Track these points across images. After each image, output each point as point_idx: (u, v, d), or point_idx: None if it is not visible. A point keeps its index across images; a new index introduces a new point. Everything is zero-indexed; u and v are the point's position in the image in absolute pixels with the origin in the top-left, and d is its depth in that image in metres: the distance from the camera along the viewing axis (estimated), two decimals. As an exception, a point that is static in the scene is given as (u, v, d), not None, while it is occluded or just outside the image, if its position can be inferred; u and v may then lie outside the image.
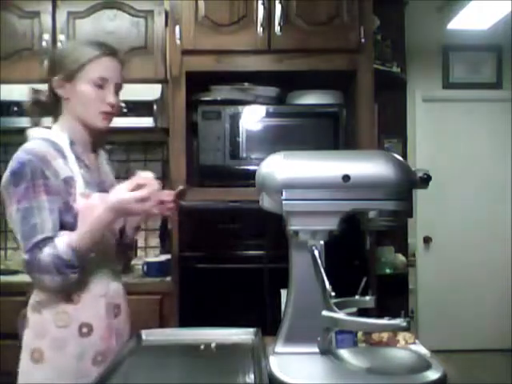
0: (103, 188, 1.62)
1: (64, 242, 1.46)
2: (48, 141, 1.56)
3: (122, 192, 1.46)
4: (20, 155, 1.53)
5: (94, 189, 1.58)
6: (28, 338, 1.58)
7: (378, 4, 2.64)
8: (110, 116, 1.62)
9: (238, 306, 2.40)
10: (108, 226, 1.52)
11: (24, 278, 2.65)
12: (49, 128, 1.64)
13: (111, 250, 1.65)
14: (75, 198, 1.52)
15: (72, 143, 1.59)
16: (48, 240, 1.46)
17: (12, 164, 1.53)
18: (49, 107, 1.66)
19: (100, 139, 1.72)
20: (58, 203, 1.50)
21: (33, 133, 1.61)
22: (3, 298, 2.41)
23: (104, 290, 1.59)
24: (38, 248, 1.45)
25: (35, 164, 1.50)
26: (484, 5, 3.80)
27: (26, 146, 1.56)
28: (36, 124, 1.68)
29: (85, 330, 1.53)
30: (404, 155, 3.24)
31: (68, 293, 1.53)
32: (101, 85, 1.59)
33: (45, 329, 1.54)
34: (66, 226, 1.51)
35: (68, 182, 1.53)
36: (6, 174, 1.52)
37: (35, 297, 1.58)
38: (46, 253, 1.44)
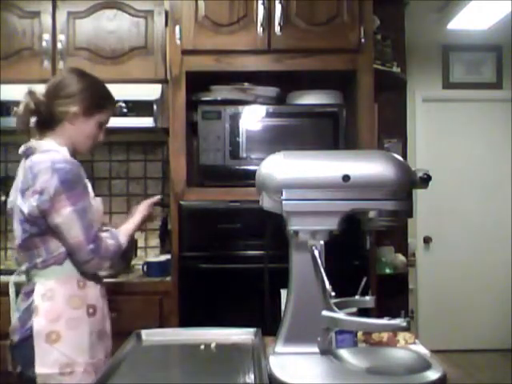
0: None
1: (123, 235, 1.88)
2: (60, 152, 1.79)
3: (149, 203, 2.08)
4: (58, 166, 1.72)
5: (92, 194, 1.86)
6: (39, 326, 1.72)
7: (378, 4, 2.64)
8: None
9: (238, 306, 2.40)
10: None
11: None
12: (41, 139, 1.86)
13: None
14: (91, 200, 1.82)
15: (71, 155, 1.83)
16: (98, 232, 1.77)
17: (54, 174, 1.70)
18: (41, 114, 1.81)
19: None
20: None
21: (44, 145, 1.80)
22: (3, 298, 2.40)
23: (99, 278, 1.86)
24: (98, 239, 1.74)
25: (76, 171, 1.75)
26: (484, 5, 3.81)
27: (55, 156, 1.75)
28: (23, 124, 1.86)
29: (91, 310, 1.79)
30: (404, 155, 3.24)
31: (77, 279, 1.78)
32: (100, 127, 1.89)
33: (57, 312, 1.73)
34: None
35: (87, 186, 1.80)
36: (55, 184, 1.69)
37: (43, 287, 1.76)
38: (110, 243, 1.79)
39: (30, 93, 1.81)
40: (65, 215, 1.70)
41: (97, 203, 1.84)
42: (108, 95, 1.90)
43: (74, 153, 1.84)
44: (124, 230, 1.91)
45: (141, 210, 2.04)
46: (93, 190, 1.84)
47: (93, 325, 1.78)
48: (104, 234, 1.80)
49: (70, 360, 1.71)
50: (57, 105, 1.79)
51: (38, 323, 1.71)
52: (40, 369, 1.69)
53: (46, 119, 1.81)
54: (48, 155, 1.75)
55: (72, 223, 1.71)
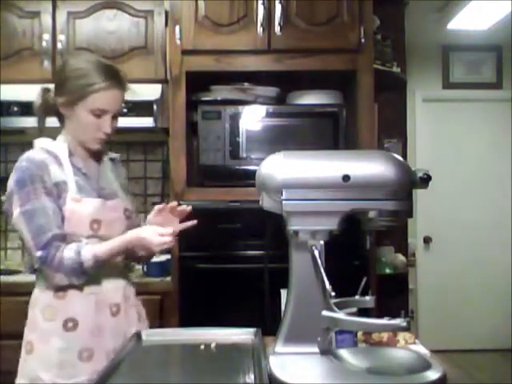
0: (102, 194, 1.71)
1: (90, 251, 1.58)
2: (46, 150, 1.67)
3: (153, 234, 1.60)
4: (19, 164, 1.64)
5: (91, 194, 1.68)
6: (25, 332, 1.68)
7: (378, 4, 2.64)
8: (103, 141, 1.72)
9: (238, 306, 2.40)
10: (126, 250, 1.65)
11: (24, 278, 2.66)
12: (53, 138, 1.73)
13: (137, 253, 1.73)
14: (65, 202, 1.62)
15: (71, 154, 1.69)
16: (58, 237, 1.57)
17: (13, 173, 1.63)
18: (56, 110, 1.72)
19: (99, 151, 1.78)
20: (57, 204, 1.61)
21: (37, 143, 1.71)
22: (3, 298, 2.41)
23: (95, 289, 1.64)
24: (51, 246, 1.56)
25: (33, 170, 1.61)
26: (484, 5, 3.81)
27: (26, 155, 1.66)
28: (41, 123, 1.76)
29: (70, 324, 1.60)
30: (404, 155, 3.24)
31: (56, 288, 1.61)
32: (99, 115, 1.66)
33: (35, 322, 1.64)
34: None
35: (60, 185, 1.63)
36: (10, 184, 1.62)
37: (33, 294, 1.69)
38: (67, 256, 1.56)
39: (43, 90, 1.74)
40: (14, 217, 1.59)
41: (82, 206, 1.63)
42: (88, 81, 1.64)
43: (85, 149, 1.71)
44: (100, 247, 1.61)
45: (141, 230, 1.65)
46: (82, 192, 1.67)
47: (71, 341, 1.59)
48: (70, 245, 1.58)
49: (35, 375, 1.60)
50: (55, 98, 1.71)
51: (25, 330, 1.68)
52: (18, 379, 1.65)
53: (56, 115, 1.74)
54: (27, 153, 1.66)
55: (21, 226, 1.59)
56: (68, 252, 1.56)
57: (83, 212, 1.63)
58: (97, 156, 1.77)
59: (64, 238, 1.60)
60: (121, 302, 1.69)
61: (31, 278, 2.62)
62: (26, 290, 2.44)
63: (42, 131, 1.76)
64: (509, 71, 4.69)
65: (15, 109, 2.60)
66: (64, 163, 1.66)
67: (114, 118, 1.71)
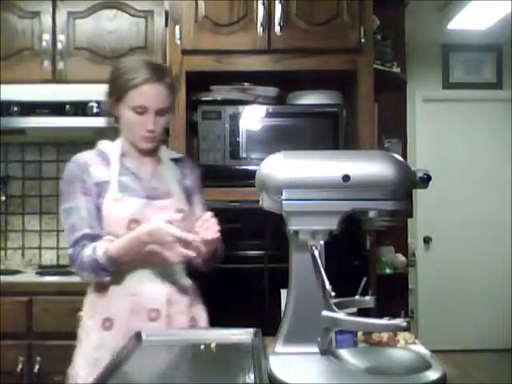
0: (152, 194, 1.70)
1: (102, 248, 1.59)
2: (100, 150, 1.74)
3: (160, 221, 1.54)
4: (67, 165, 1.73)
5: (136, 194, 1.67)
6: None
7: (377, 4, 2.64)
8: (151, 139, 1.70)
9: (238, 306, 2.40)
10: (142, 248, 1.58)
11: (24, 277, 2.66)
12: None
13: (157, 256, 1.60)
14: (104, 201, 1.65)
15: (123, 154, 1.73)
16: (88, 237, 1.62)
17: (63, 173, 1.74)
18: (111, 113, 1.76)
19: (151, 150, 1.75)
20: (95, 203, 1.66)
21: (98, 144, 1.77)
22: (3, 298, 2.41)
23: (135, 291, 1.64)
24: (78, 245, 1.62)
25: (75, 170, 1.69)
26: (484, 5, 3.81)
27: (75, 156, 1.75)
28: (109, 123, 1.80)
29: (107, 323, 1.63)
30: (404, 155, 3.23)
31: (98, 286, 1.66)
32: (141, 112, 1.66)
33: (83, 318, 1.70)
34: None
35: (101, 185, 1.66)
36: (60, 183, 1.74)
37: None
38: (86, 253, 1.60)
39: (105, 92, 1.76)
40: (60, 213, 1.70)
41: (121, 206, 1.63)
42: (127, 77, 1.65)
43: (136, 148, 1.73)
44: (113, 244, 1.60)
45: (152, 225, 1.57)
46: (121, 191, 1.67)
47: (106, 340, 1.60)
48: (91, 244, 1.61)
49: (77, 369, 1.64)
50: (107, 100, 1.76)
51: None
52: (69, 369, 1.68)
53: (114, 116, 1.75)
54: (77, 154, 1.75)
55: (63, 223, 1.69)
56: (87, 250, 1.60)
57: (121, 212, 1.64)
58: (153, 155, 1.76)
59: (94, 238, 1.62)
60: (162, 307, 1.65)
61: (31, 278, 2.63)
62: (26, 290, 2.46)
63: (113, 132, 1.78)
64: (509, 71, 4.70)
65: (15, 109, 2.60)
66: (113, 163, 1.69)
67: (160, 114, 1.68)
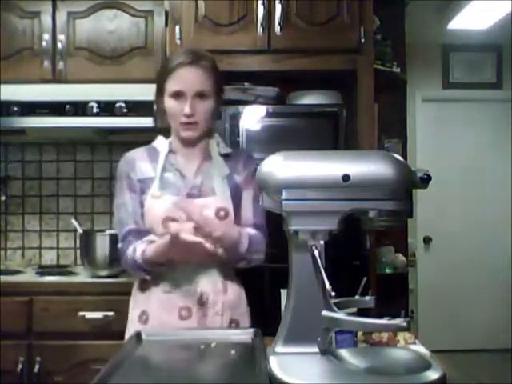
0: (194, 192, 1.69)
1: (140, 250, 1.64)
2: (151, 147, 1.77)
3: (174, 227, 1.52)
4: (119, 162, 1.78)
5: (177, 191, 1.67)
6: None
7: (378, 4, 2.64)
8: (189, 126, 1.69)
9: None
10: (168, 255, 1.58)
11: (24, 277, 2.66)
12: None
13: (197, 256, 1.58)
14: (146, 198, 1.68)
15: (171, 150, 1.74)
16: (133, 232, 1.67)
17: None
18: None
19: (194, 140, 1.74)
20: (140, 199, 1.70)
21: (154, 141, 1.80)
22: (3, 298, 2.41)
23: (169, 288, 1.67)
24: (125, 240, 1.68)
25: (122, 167, 1.74)
26: (484, 5, 3.81)
27: (127, 152, 1.79)
28: (160, 123, 1.81)
29: (144, 317, 1.68)
30: (404, 155, 3.24)
31: (141, 281, 1.71)
32: (178, 97, 1.66)
33: (129, 310, 1.76)
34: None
35: (145, 182, 1.69)
36: None
37: None
38: (129, 253, 1.66)
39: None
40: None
41: (158, 203, 1.64)
42: (164, 66, 1.72)
43: (182, 141, 1.74)
44: (150, 246, 1.62)
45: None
46: (159, 189, 1.67)
47: None
48: (136, 242, 1.65)
49: None
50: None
51: None
52: None
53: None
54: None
55: (115, 217, 1.76)
56: (130, 249, 1.66)
57: (158, 209, 1.65)
58: (201, 151, 1.75)
59: (138, 234, 1.67)
60: (193, 306, 1.65)
61: (31, 278, 2.63)
62: (26, 290, 2.46)
63: (160, 130, 1.80)
64: (509, 71, 4.70)
65: (15, 109, 2.60)
66: (160, 160, 1.71)
67: (199, 98, 1.66)
